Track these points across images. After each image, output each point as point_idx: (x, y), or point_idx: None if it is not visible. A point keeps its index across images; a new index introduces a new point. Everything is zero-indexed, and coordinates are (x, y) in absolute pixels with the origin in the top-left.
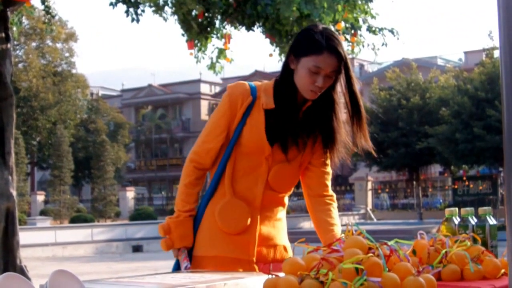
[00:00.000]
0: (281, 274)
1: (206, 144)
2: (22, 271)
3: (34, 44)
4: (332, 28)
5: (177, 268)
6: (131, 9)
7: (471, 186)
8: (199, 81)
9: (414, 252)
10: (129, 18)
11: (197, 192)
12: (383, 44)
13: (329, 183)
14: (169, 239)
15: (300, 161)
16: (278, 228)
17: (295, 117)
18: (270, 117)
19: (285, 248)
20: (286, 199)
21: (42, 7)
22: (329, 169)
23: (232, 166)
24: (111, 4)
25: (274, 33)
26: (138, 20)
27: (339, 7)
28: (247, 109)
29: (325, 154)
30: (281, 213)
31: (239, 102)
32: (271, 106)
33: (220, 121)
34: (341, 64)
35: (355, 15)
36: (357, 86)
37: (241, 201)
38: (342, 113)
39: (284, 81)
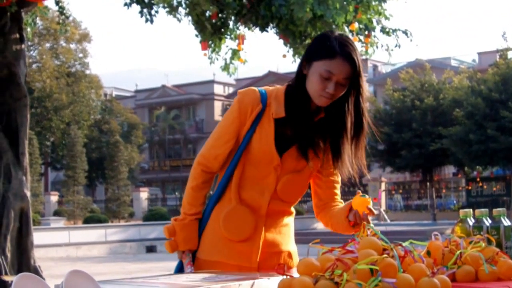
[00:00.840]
0: (296, 275)
1: (214, 149)
2: (36, 271)
3: (48, 44)
4: (346, 29)
5: (180, 268)
6: (145, 10)
7: (485, 187)
8: (212, 81)
9: (428, 253)
10: (143, 18)
11: (204, 195)
12: (396, 45)
13: (338, 191)
14: (174, 241)
15: (310, 171)
16: (283, 234)
17: (305, 127)
18: (280, 126)
19: (289, 255)
20: (293, 207)
21: (56, 8)
22: (338, 178)
23: (240, 173)
24: (125, 4)
25: (287, 33)
26: (152, 21)
27: (350, 8)
28: (257, 117)
29: (334, 165)
30: (288, 219)
31: (249, 110)
32: (281, 115)
33: (229, 128)
34: (355, 71)
35: (369, 16)
36: (365, 99)
37: (247, 208)
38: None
39: (296, 87)
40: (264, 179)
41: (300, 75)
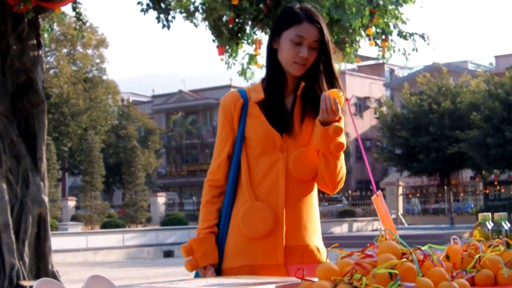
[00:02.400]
0: (315, 279)
1: (215, 161)
2: (54, 276)
3: (65, 50)
4: (363, 33)
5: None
6: (162, 16)
7: (503, 190)
8: (229, 86)
9: (447, 257)
10: (160, 24)
11: (216, 210)
12: (413, 49)
13: None
14: (193, 259)
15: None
16: (307, 227)
17: (282, 97)
18: (266, 109)
19: (318, 249)
20: (314, 195)
21: (73, 13)
22: None
23: (247, 170)
24: (142, 10)
25: None
26: (169, 27)
27: (366, 12)
28: (242, 110)
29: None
30: (310, 212)
31: (232, 108)
32: (261, 97)
33: (221, 134)
34: (322, 35)
35: (385, 20)
36: (334, 60)
37: (263, 203)
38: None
39: (268, 64)
40: (273, 166)
41: (271, 51)
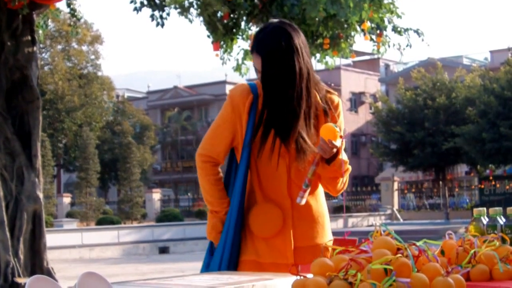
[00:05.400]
0: (310, 275)
1: (214, 147)
2: (49, 273)
3: (59, 46)
4: (358, 28)
5: (207, 265)
6: (156, 13)
7: (498, 185)
8: (224, 82)
9: (442, 252)
10: (154, 22)
11: (223, 188)
12: (408, 45)
13: None
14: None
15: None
16: (315, 227)
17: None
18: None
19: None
20: (320, 191)
21: (68, 10)
22: None
23: (256, 172)
24: (135, 9)
25: None
26: (163, 25)
27: (365, 6)
28: (251, 109)
29: None
30: (318, 209)
31: (241, 106)
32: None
33: (224, 124)
34: (266, 61)
35: (380, 15)
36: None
37: (272, 204)
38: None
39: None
40: (276, 169)
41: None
